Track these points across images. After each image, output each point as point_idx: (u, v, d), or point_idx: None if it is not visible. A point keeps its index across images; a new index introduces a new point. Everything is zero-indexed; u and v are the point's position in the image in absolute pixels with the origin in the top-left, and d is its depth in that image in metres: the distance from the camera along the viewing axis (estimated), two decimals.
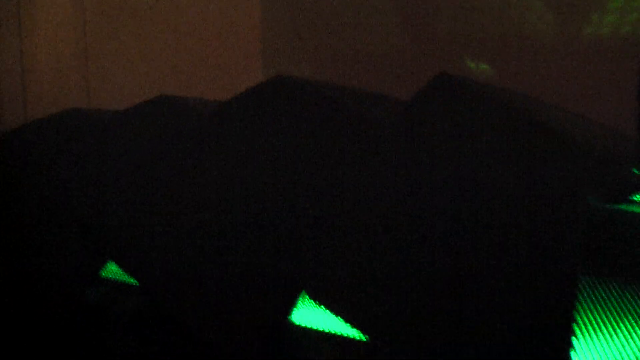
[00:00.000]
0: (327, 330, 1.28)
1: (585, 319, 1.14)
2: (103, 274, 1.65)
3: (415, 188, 1.26)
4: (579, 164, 1.20)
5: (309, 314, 1.32)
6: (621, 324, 1.14)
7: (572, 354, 1.02)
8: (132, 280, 1.57)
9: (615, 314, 1.17)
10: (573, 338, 1.03)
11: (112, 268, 1.66)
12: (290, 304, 1.30)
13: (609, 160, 1.32)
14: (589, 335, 1.12)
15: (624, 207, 1.35)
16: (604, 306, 1.17)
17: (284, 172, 1.43)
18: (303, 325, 1.31)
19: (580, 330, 1.11)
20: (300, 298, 1.31)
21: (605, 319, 1.15)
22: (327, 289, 1.22)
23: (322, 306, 1.25)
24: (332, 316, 1.24)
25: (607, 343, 1.11)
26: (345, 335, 1.24)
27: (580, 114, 1.92)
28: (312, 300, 1.28)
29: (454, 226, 1.18)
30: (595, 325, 1.14)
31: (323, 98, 1.49)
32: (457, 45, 3.62)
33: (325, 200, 1.33)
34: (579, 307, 1.12)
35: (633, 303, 1.18)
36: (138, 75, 2.98)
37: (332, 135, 1.40)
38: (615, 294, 1.20)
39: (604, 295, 1.20)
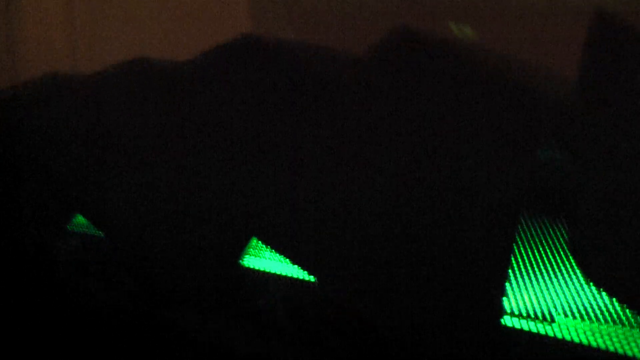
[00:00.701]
0: (276, 272, 1.36)
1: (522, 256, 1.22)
2: (69, 228, 1.73)
3: (363, 136, 1.31)
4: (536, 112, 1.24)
5: (260, 259, 1.40)
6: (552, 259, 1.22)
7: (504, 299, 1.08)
8: (98, 232, 1.65)
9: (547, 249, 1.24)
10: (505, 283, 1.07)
11: (80, 220, 1.74)
12: (242, 246, 1.37)
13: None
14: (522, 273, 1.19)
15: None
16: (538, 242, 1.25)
17: (243, 124, 1.49)
18: (254, 267, 1.38)
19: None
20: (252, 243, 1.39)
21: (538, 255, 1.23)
22: (275, 233, 1.27)
23: (271, 249, 1.32)
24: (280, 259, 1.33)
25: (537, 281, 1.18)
26: (293, 276, 1.32)
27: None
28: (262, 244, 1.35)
29: (401, 169, 1.23)
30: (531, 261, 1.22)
31: (285, 56, 1.54)
32: (442, 8, 3.61)
33: (278, 150, 1.39)
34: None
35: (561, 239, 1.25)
36: (125, 37, 3.02)
37: (290, 91, 1.46)
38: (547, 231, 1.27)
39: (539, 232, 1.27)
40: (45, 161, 1.80)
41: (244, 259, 1.40)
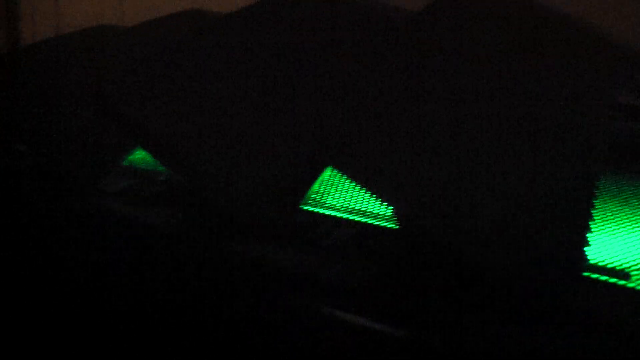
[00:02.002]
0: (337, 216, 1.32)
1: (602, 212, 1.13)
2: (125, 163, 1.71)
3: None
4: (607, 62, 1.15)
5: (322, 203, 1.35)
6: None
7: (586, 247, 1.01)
8: (158, 167, 1.64)
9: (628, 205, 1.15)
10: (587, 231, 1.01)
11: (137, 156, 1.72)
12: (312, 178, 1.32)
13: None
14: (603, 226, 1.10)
15: None
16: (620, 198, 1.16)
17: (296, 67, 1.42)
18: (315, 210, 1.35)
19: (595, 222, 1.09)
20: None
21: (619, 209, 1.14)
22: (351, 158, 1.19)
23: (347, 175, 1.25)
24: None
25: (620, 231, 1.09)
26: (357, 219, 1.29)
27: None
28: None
29: (484, 114, 1.15)
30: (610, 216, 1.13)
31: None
32: None
33: (337, 88, 1.32)
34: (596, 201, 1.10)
35: None
36: None
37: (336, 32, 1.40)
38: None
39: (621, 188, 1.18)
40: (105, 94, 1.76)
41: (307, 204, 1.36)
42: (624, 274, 1.02)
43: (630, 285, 1.00)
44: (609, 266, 1.04)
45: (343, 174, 1.28)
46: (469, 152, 1.10)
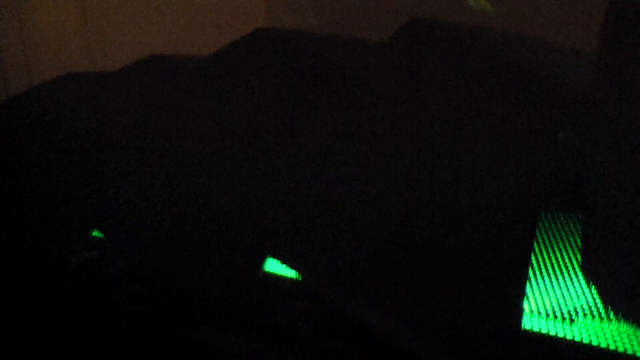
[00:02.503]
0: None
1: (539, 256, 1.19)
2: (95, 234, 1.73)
3: (384, 133, 1.29)
4: (552, 103, 1.22)
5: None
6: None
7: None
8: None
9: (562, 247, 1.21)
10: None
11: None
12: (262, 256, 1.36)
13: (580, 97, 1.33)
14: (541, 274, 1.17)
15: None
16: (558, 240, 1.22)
17: (262, 123, 1.48)
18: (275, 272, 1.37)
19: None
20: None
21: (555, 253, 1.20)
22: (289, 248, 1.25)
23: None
24: None
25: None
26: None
27: (565, 47, 1.91)
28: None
29: (415, 162, 1.21)
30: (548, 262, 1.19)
31: (300, 49, 1.53)
32: None
33: (294, 148, 1.38)
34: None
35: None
36: (138, 34, 3.03)
37: (308, 85, 1.45)
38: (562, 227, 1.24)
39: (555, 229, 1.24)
40: (61, 163, 1.81)
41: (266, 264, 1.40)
42: (566, 318, 1.07)
43: (575, 330, 1.05)
44: (550, 312, 1.08)
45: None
46: (398, 204, 1.15)
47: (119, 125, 1.74)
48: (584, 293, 1.13)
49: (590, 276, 1.08)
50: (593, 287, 1.12)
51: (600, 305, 1.10)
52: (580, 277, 1.16)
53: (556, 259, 1.22)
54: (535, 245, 1.22)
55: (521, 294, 1.00)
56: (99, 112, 1.92)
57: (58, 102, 2.17)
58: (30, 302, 1.52)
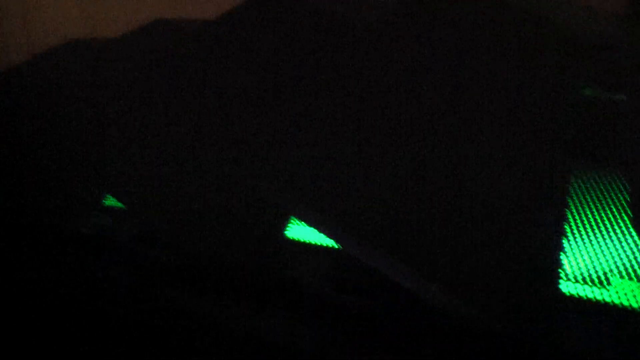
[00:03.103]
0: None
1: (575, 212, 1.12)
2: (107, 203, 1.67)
3: (394, 89, 1.23)
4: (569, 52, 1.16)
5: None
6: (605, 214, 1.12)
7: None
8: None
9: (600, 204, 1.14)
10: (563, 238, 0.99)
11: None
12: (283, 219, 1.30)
13: (599, 46, 1.27)
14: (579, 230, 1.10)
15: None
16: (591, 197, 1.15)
17: (270, 82, 1.42)
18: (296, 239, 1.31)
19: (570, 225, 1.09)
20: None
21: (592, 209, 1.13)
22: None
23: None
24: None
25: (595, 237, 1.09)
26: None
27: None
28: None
29: (435, 117, 1.16)
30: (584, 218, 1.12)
31: (306, 6, 1.47)
32: None
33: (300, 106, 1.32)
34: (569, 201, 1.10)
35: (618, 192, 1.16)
36: (138, 3, 2.95)
37: (314, 42, 1.39)
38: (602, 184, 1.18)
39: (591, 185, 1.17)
40: (66, 129, 1.75)
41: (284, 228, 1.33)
42: (602, 282, 1.01)
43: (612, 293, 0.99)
44: (586, 276, 1.02)
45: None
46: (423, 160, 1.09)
47: (125, 90, 1.67)
48: (623, 252, 1.07)
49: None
50: (632, 245, 1.06)
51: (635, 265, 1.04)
52: (627, 235, 1.10)
53: (594, 218, 1.15)
54: (571, 204, 1.15)
55: (559, 255, 0.94)
56: (104, 77, 1.86)
57: (62, 69, 2.11)
58: (39, 273, 1.48)
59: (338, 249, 1.18)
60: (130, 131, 1.64)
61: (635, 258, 1.05)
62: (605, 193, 1.18)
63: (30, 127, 1.91)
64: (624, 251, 1.08)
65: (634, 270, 1.04)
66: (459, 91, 1.19)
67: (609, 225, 1.11)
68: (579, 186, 1.20)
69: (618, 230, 1.11)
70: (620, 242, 1.09)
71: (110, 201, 1.60)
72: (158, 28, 2.03)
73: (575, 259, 1.06)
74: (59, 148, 1.80)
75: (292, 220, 1.30)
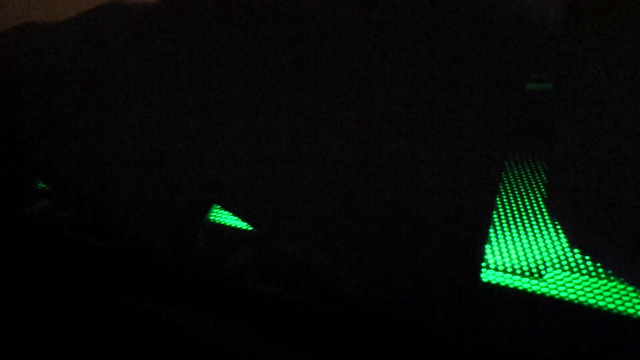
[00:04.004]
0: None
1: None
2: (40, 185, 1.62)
3: (344, 77, 1.19)
4: (523, 42, 1.13)
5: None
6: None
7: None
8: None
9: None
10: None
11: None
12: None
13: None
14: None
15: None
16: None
17: (219, 68, 1.38)
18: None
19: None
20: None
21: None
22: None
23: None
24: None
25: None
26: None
27: None
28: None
29: (377, 108, 1.12)
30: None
31: None
32: None
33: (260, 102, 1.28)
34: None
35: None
36: None
37: (270, 27, 1.34)
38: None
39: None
40: (17, 113, 1.70)
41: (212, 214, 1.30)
42: (534, 274, 1.00)
43: (543, 285, 0.98)
44: (517, 267, 1.01)
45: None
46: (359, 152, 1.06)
47: (74, 70, 1.62)
48: (553, 244, 1.05)
49: (556, 222, 1.00)
50: (562, 237, 1.04)
51: (569, 256, 1.02)
52: (550, 226, 1.08)
53: (525, 207, 1.13)
54: (503, 192, 1.13)
55: (483, 243, 0.91)
56: (55, 56, 1.81)
57: (14, 50, 2.06)
58: None
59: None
60: (79, 114, 1.60)
61: (567, 249, 1.04)
62: (538, 184, 1.17)
63: None
64: (557, 242, 1.06)
65: (567, 261, 1.02)
66: (400, 77, 1.16)
67: (539, 217, 1.10)
68: (514, 177, 1.18)
69: (549, 222, 1.10)
70: (552, 234, 1.08)
71: (50, 184, 1.56)
72: (112, 8, 1.98)
73: (509, 250, 1.04)
74: (7, 132, 1.75)
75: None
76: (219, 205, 1.23)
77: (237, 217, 1.20)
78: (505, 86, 1.09)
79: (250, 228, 1.24)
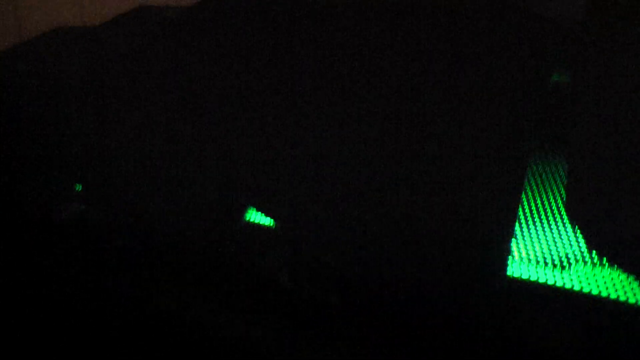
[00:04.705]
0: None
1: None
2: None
3: (362, 75, 1.23)
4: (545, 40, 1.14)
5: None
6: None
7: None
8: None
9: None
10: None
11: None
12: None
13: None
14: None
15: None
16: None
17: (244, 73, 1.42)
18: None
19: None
20: None
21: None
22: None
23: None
24: None
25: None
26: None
27: None
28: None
29: (397, 104, 1.15)
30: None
31: None
32: None
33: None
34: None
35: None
36: None
37: (294, 28, 1.38)
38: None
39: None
40: (49, 117, 1.76)
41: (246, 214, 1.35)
42: (558, 266, 1.03)
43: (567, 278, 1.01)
44: (541, 260, 1.04)
45: None
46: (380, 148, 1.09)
47: (105, 77, 1.68)
48: (575, 239, 1.09)
49: (575, 221, 1.03)
50: (579, 233, 1.08)
51: (587, 251, 1.06)
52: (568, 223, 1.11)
53: (548, 204, 1.17)
54: (527, 190, 1.16)
55: (508, 239, 0.95)
56: (87, 63, 1.87)
57: (46, 55, 2.12)
58: (17, 260, 1.49)
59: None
60: (115, 119, 1.65)
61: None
62: (562, 178, 1.20)
63: (18, 114, 1.92)
64: (578, 236, 1.10)
65: (590, 255, 1.06)
66: (419, 74, 1.18)
67: (563, 212, 1.13)
68: (538, 171, 1.21)
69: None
70: (573, 228, 1.11)
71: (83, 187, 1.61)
72: (142, 13, 2.04)
73: (531, 242, 1.08)
74: (45, 135, 1.81)
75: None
76: (253, 206, 1.28)
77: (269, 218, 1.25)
78: (527, 85, 1.11)
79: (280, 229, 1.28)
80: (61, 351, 1.24)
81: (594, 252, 1.06)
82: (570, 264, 1.04)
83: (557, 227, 1.13)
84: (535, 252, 1.06)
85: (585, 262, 1.04)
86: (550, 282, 1.00)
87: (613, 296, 0.96)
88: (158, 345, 1.18)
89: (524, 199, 1.16)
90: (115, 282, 1.33)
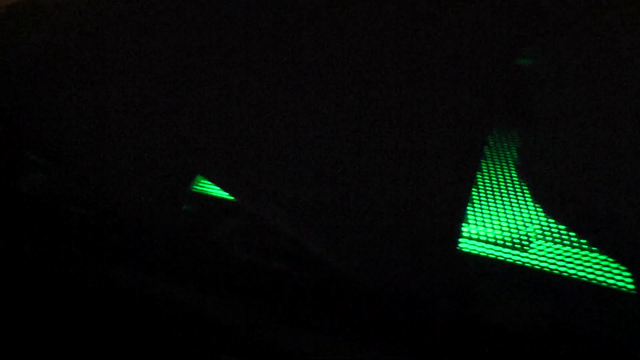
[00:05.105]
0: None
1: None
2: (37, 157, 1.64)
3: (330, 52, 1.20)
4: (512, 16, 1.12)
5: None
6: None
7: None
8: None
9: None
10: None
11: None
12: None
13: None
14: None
15: None
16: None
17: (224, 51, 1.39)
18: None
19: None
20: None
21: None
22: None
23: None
24: None
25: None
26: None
27: None
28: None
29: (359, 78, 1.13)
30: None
31: None
32: None
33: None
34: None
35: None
36: None
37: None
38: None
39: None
40: (27, 93, 1.72)
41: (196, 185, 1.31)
42: (517, 245, 1.01)
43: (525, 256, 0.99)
44: (500, 239, 1.03)
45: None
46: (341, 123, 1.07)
47: (76, 50, 1.64)
48: (536, 215, 1.07)
49: (537, 198, 1.02)
50: (540, 208, 1.06)
51: (548, 229, 1.04)
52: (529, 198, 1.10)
53: (507, 180, 1.15)
54: (485, 168, 1.14)
55: (463, 213, 0.94)
56: (58, 36, 1.82)
57: (15, 27, 2.07)
58: None
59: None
60: (77, 92, 1.61)
61: (551, 221, 1.06)
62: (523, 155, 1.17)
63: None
64: (541, 214, 1.08)
65: (551, 233, 1.04)
66: (385, 49, 1.16)
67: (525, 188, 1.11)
68: (501, 149, 1.19)
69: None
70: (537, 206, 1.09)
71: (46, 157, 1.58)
72: None
73: (492, 221, 1.06)
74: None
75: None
76: (202, 174, 1.25)
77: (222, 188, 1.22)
78: (493, 61, 1.10)
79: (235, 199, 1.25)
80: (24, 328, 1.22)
81: (555, 229, 1.04)
82: (530, 242, 1.02)
83: (518, 204, 1.11)
84: (494, 230, 1.04)
85: (546, 240, 1.03)
86: (510, 260, 0.98)
87: (575, 274, 0.95)
88: (109, 315, 1.16)
89: (483, 177, 1.14)
90: (75, 253, 1.30)
